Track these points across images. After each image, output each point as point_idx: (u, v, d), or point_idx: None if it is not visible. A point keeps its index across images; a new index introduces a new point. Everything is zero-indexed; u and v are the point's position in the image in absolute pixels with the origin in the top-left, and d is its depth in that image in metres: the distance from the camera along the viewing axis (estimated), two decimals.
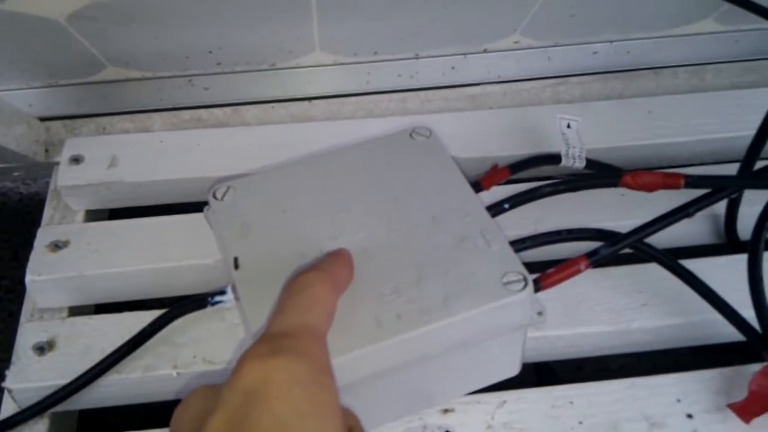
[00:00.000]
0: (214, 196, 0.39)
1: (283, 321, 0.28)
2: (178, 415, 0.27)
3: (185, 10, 0.47)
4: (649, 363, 0.49)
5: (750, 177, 0.39)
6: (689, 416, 0.38)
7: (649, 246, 0.41)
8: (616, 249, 0.38)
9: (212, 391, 0.26)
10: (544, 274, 0.38)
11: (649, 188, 0.38)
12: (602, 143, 0.50)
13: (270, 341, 0.26)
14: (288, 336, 0.27)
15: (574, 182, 0.41)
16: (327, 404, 0.25)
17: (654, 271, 0.43)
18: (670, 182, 0.38)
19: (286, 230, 0.37)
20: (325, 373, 0.26)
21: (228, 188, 0.39)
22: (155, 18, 0.48)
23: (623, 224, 0.43)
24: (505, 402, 0.39)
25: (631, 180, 0.39)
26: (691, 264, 0.43)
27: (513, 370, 0.39)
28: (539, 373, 0.46)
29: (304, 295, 0.30)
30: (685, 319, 0.42)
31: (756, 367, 0.38)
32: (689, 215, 0.38)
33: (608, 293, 0.43)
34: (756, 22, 0.51)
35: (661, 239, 0.47)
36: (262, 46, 0.53)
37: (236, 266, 0.36)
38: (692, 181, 0.38)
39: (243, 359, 0.25)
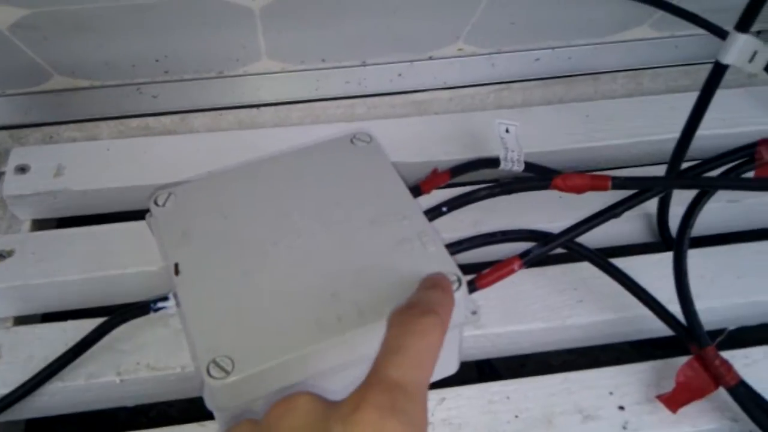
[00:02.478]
0: (155, 203, 0.40)
1: (402, 369, 0.27)
2: (277, 419, 0.26)
3: (129, 20, 0.47)
4: (589, 359, 0.50)
5: (674, 178, 0.41)
6: (621, 408, 0.40)
7: (582, 246, 0.42)
8: (548, 249, 0.39)
9: (321, 412, 0.25)
10: (480, 274, 0.39)
11: (579, 190, 0.40)
12: (541, 147, 0.52)
13: (389, 392, 0.26)
14: (404, 392, 0.26)
15: (508, 185, 0.43)
16: None
17: (590, 269, 0.44)
18: (598, 184, 0.39)
19: (227, 235, 0.38)
20: None
21: (169, 194, 0.40)
22: (99, 27, 0.48)
23: (561, 225, 0.44)
24: (444, 399, 0.40)
25: (562, 182, 0.40)
26: (625, 262, 0.45)
27: (451, 368, 0.40)
28: (481, 371, 0.47)
29: (422, 344, 0.28)
30: (618, 314, 0.44)
31: (684, 360, 0.39)
32: (616, 215, 0.40)
33: (545, 291, 0.44)
34: (690, 27, 0.53)
35: (603, 239, 0.49)
36: (209, 54, 0.53)
37: (177, 272, 0.36)
38: (619, 183, 0.39)
39: (364, 404, 0.25)
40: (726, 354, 0.40)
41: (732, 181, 0.43)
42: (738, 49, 0.38)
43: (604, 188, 0.40)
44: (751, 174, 0.45)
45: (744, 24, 0.37)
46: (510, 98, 0.59)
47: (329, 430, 0.24)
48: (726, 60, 0.38)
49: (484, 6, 0.52)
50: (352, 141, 0.44)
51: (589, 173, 0.40)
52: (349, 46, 0.56)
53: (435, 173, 0.46)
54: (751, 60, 0.38)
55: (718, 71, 0.39)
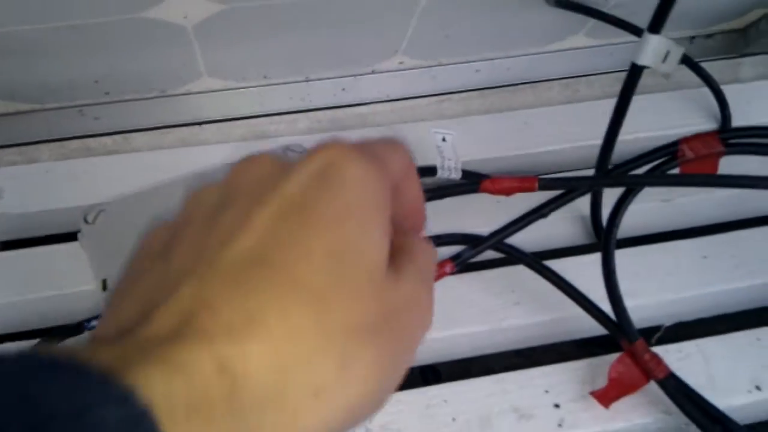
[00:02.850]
0: (86, 220, 0.40)
1: (374, 148, 0.24)
2: (238, 174, 0.23)
3: (64, 41, 0.48)
4: (532, 362, 0.51)
5: (599, 176, 0.42)
6: (556, 406, 0.40)
7: (516, 249, 0.43)
8: (478, 251, 0.40)
9: (280, 162, 0.23)
10: None
11: (507, 192, 0.41)
12: (481, 155, 0.53)
13: (359, 145, 0.23)
14: (375, 155, 0.23)
15: (439, 190, 0.43)
16: (384, 208, 0.22)
17: (526, 272, 0.45)
18: (526, 186, 0.40)
19: None
20: (388, 195, 0.22)
21: (99, 212, 0.40)
22: (34, 49, 0.48)
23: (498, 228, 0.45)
24: None
25: (491, 185, 0.41)
26: (561, 263, 0.45)
27: None
28: (424, 377, 0.47)
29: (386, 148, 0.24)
30: (555, 315, 0.44)
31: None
32: (544, 215, 0.41)
33: (482, 295, 0.45)
34: (624, 35, 0.55)
35: (543, 243, 0.49)
36: (150, 73, 0.54)
37: (104, 288, 0.36)
38: (546, 184, 0.40)
39: (324, 142, 0.22)
40: (659, 349, 0.41)
41: (655, 178, 0.44)
42: (652, 50, 0.39)
43: (532, 189, 0.40)
44: (675, 172, 0.47)
45: (655, 25, 0.39)
46: (451, 109, 0.60)
47: (289, 168, 0.22)
48: (641, 61, 0.39)
49: (417, 20, 0.53)
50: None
51: (517, 176, 0.41)
52: (292, 62, 0.56)
53: None
54: (664, 60, 0.40)
55: (635, 72, 0.40)
